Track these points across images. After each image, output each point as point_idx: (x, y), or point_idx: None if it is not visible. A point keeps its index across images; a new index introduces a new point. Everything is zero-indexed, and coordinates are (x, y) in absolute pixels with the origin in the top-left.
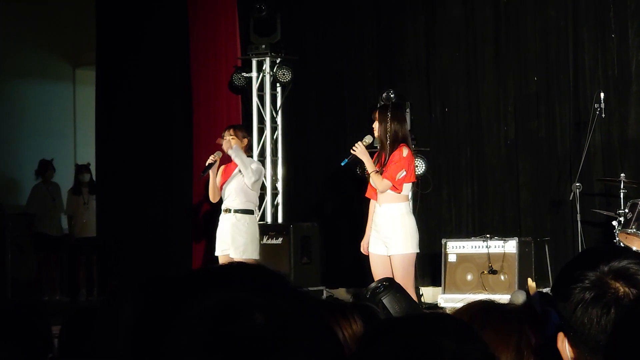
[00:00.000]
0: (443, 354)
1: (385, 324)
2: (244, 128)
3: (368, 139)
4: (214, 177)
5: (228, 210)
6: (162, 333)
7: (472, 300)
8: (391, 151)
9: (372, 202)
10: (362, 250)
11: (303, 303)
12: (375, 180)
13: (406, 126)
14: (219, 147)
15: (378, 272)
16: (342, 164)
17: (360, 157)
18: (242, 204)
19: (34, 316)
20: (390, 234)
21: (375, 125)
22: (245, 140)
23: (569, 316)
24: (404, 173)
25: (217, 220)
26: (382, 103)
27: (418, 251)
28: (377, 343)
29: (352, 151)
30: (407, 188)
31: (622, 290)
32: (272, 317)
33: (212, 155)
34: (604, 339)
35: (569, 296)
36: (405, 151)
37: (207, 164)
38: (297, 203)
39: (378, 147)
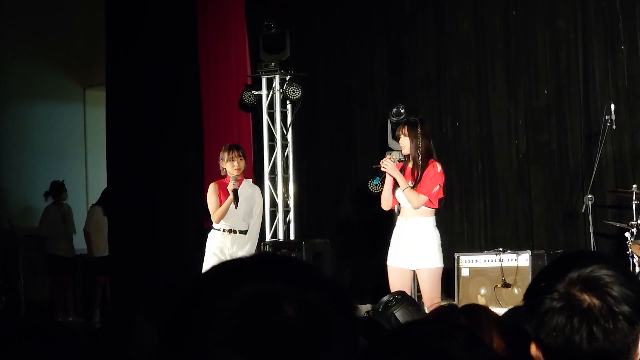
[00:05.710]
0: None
1: (397, 332)
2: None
3: (396, 155)
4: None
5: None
6: (190, 329)
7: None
8: (423, 167)
9: None
10: None
11: (336, 294)
12: (410, 196)
13: (431, 141)
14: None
15: (397, 285)
16: (375, 182)
17: (391, 174)
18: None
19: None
20: (418, 248)
21: (403, 140)
22: None
23: (537, 326)
24: (438, 188)
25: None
26: (410, 119)
27: (443, 265)
28: (390, 351)
29: (382, 168)
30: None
31: (587, 301)
32: (303, 310)
33: (232, 183)
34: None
35: (538, 306)
36: (438, 167)
37: (234, 191)
38: (308, 219)
39: (404, 162)
